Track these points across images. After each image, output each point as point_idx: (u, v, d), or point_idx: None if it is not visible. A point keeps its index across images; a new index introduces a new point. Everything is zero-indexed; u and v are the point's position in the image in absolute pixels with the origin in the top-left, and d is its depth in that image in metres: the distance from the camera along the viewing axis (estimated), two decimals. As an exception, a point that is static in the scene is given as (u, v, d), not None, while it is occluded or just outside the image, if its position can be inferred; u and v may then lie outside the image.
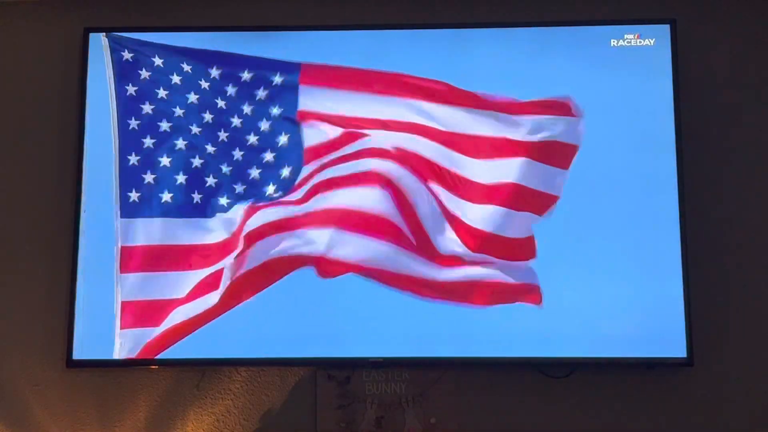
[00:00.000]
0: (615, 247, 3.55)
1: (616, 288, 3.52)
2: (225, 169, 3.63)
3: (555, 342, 3.51)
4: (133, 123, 3.66)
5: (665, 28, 3.66)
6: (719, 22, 3.80)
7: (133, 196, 3.61)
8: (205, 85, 3.67)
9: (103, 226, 3.61)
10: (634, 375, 3.59)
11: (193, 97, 3.67)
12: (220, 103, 3.66)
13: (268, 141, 3.64)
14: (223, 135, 3.65)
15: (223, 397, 3.64)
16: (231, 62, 3.69)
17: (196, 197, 3.61)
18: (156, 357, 3.54)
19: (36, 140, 3.77)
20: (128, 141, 3.65)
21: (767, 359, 3.61)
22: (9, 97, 3.81)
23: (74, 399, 3.63)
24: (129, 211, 3.60)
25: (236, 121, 3.66)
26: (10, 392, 3.62)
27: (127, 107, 3.66)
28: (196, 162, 3.63)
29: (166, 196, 3.62)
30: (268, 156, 3.63)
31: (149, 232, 3.59)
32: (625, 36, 3.68)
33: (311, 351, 3.55)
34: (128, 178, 3.62)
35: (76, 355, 3.54)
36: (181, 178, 3.62)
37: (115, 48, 3.69)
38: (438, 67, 3.68)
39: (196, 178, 3.63)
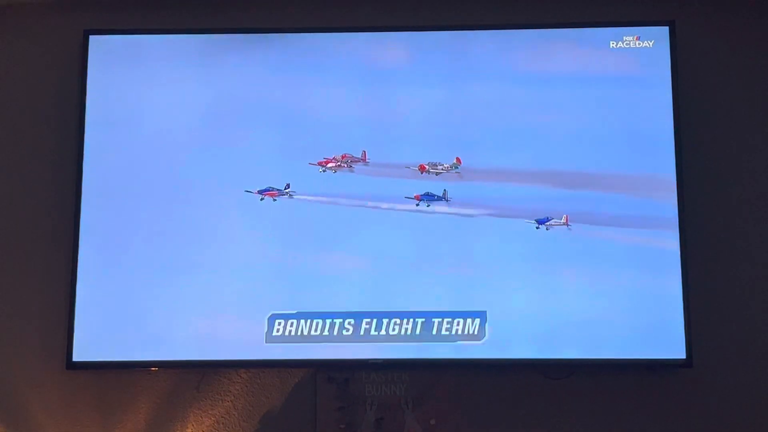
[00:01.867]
0: (615, 247, 3.55)
1: (615, 289, 3.53)
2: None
3: (555, 343, 3.51)
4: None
5: (664, 30, 3.67)
6: (718, 23, 3.80)
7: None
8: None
9: (104, 226, 3.61)
10: (633, 376, 3.60)
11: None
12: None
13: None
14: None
15: (223, 398, 3.65)
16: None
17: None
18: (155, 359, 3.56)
19: (36, 142, 3.77)
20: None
21: (766, 360, 3.61)
22: (9, 99, 3.81)
23: (74, 400, 3.63)
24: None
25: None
26: (10, 394, 3.62)
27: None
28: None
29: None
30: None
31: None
32: (624, 38, 3.68)
33: (311, 353, 3.55)
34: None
35: (77, 356, 3.54)
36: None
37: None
38: (438, 69, 3.69)
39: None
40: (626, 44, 3.68)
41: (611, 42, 3.69)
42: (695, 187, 3.64)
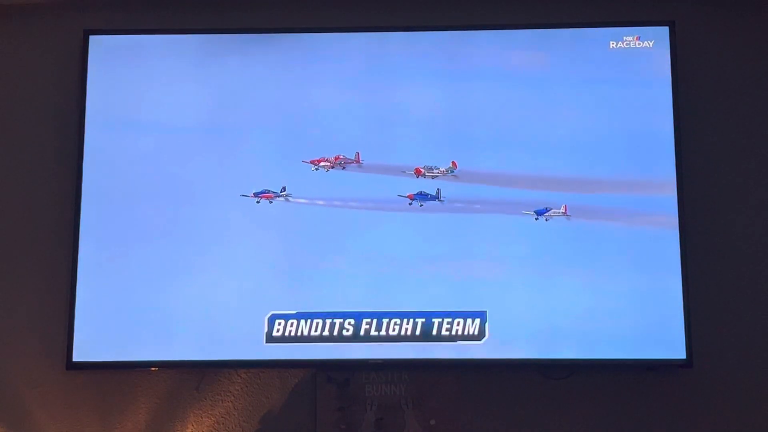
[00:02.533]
0: (615, 247, 3.55)
1: (615, 289, 3.53)
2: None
3: (555, 343, 3.51)
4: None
5: (664, 30, 3.67)
6: (718, 23, 3.80)
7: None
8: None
9: (104, 226, 3.61)
10: (633, 376, 3.60)
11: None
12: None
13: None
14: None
15: (223, 399, 3.65)
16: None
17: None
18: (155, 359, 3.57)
19: (36, 142, 3.77)
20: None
21: (766, 360, 3.61)
22: (9, 99, 3.82)
23: (74, 401, 3.63)
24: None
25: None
26: (10, 394, 3.62)
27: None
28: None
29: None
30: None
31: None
32: (624, 38, 3.69)
33: (311, 353, 3.55)
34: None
35: (77, 356, 3.54)
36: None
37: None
38: (437, 69, 3.69)
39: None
40: (626, 44, 3.68)
41: (611, 42, 3.69)
42: (695, 187, 3.64)
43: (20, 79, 3.83)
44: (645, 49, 3.68)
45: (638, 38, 3.68)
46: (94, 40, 3.73)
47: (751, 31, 3.80)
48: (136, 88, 3.70)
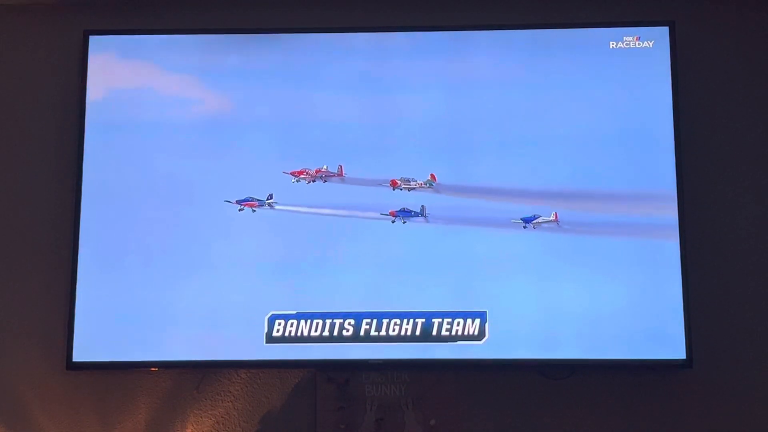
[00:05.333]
0: (615, 248, 3.55)
1: (615, 289, 3.53)
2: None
3: (555, 343, 3.51)
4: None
5: (664, 30, 3.67)
6: (718, 24, 3.80)
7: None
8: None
9: (104, 226, 3.61)
10: (633, 376, 3.60)
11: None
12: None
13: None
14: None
15: (222, 399, 3.65)
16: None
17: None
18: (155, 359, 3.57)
19: (36, 142, 3.78)
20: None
21: (766, 360, 3.61)
22: (9, 99, 3.82)
23: (74, 401, 3.63)
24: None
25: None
26: (10, 394, 3.62)
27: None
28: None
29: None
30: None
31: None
32: (624, 38, 3.69)
33: (311, 353, 3.55)
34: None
35: (77, 357, 3.54)
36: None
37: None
38: (437, 70, 3.69)
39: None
40: (626, 44, 3.68)
41: (611, 42, 3.69)
42: (695, 186, 3.64)
43: (20, 79, 3.83)
44: (645, 49, 3.67)
45: (638, 38, 3.68)
46: (94, 40, 3.73)
47: (751, 31, 3.80)
48: (136, 88, 3.70)
